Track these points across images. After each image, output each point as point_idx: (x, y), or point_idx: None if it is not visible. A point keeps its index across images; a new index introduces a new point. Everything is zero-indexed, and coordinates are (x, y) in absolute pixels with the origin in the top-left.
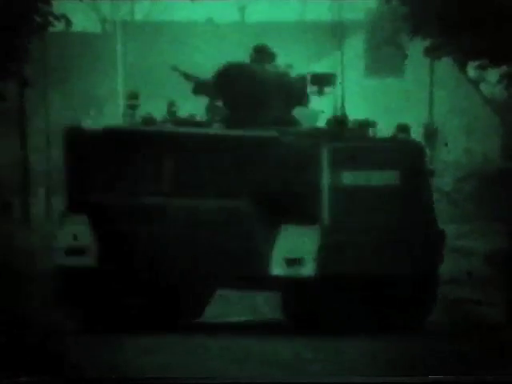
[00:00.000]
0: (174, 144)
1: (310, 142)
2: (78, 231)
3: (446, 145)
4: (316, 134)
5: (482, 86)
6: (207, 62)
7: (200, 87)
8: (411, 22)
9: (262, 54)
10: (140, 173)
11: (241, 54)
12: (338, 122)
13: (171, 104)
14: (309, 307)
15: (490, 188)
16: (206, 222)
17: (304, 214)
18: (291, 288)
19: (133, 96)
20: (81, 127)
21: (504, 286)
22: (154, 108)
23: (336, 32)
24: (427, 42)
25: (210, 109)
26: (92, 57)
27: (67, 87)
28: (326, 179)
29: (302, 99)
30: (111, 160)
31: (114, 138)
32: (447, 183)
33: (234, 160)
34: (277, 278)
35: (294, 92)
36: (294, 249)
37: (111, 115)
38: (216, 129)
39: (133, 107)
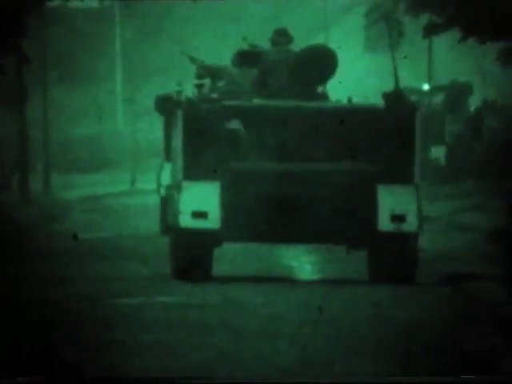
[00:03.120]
0: (290, 116)
1: (409, 111)
2: (202, 195)
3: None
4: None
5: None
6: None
7: (204, 70)
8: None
9: (283, 36)
10: (259, 142)
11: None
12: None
13: (178, 84)
14: (407, 262)
15: (491, 164)
16: (324, 183)
17: (403, 174)
18: (393, 243)
19: (199, 77)
20: (201, 104)
21: (504, 261)
22: (154, 84)
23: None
24: (425, 19)
25: (212, 89)
26: (90, 32)
27: (65, 62)
28: (418, 143)
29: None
30: (229, 131)
31: (232, 112)
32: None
33: (345, 129)
34: (383, 233)
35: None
36: (399, 206)
37: (108, 90)
38: (325, 103)
39: (199, 86)
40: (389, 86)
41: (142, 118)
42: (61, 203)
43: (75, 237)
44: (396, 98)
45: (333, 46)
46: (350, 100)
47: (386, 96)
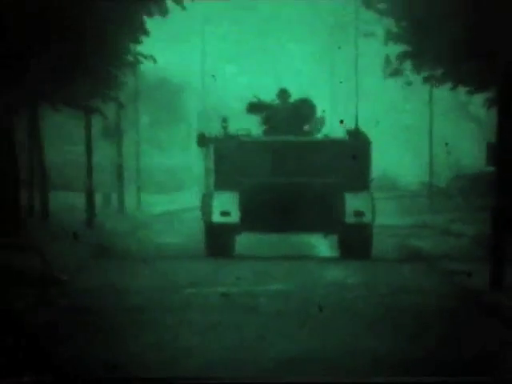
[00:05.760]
0: (287, 146)
1: (365, 143)
2: (227, 200)
3: (447, 144)
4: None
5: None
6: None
7: (255, 108)
8: (416, 59)
9: (285, 93)
10: (267, 164)
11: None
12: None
13: (224, 120)
14: (366, 243)
15: (475, 185)
16: (308, 192)
17: (362, 185)
18: (356, 230)
19: (224, 121)
20: (225, 140)
21: (487, 260)
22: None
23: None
24: (425, 73)
25: (263, 122)
26: (172, 84)
27: (153, 107)
28: (371, 164)
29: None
30: (245, 156)
31: (246, 144)
32: (443, 181)
33: (323, 154)
34: (349, 224)
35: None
36: (359, 206)
37: (186, 130)
38: (309, 137)
39: (224, 128)
40: (387, 84)
41: None
42: (147, 216)
43: (75, 236)
44: (356, 133)
45: (334, 46)
46: (326, 135)
47: (349, 132)
